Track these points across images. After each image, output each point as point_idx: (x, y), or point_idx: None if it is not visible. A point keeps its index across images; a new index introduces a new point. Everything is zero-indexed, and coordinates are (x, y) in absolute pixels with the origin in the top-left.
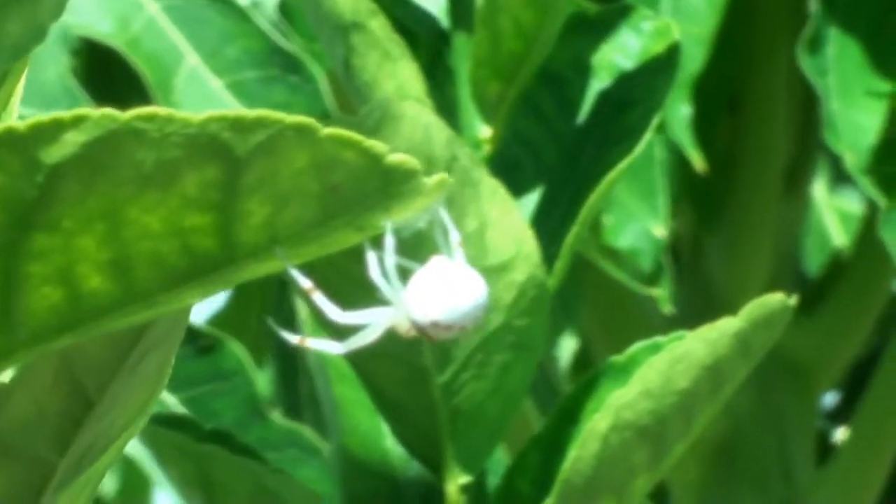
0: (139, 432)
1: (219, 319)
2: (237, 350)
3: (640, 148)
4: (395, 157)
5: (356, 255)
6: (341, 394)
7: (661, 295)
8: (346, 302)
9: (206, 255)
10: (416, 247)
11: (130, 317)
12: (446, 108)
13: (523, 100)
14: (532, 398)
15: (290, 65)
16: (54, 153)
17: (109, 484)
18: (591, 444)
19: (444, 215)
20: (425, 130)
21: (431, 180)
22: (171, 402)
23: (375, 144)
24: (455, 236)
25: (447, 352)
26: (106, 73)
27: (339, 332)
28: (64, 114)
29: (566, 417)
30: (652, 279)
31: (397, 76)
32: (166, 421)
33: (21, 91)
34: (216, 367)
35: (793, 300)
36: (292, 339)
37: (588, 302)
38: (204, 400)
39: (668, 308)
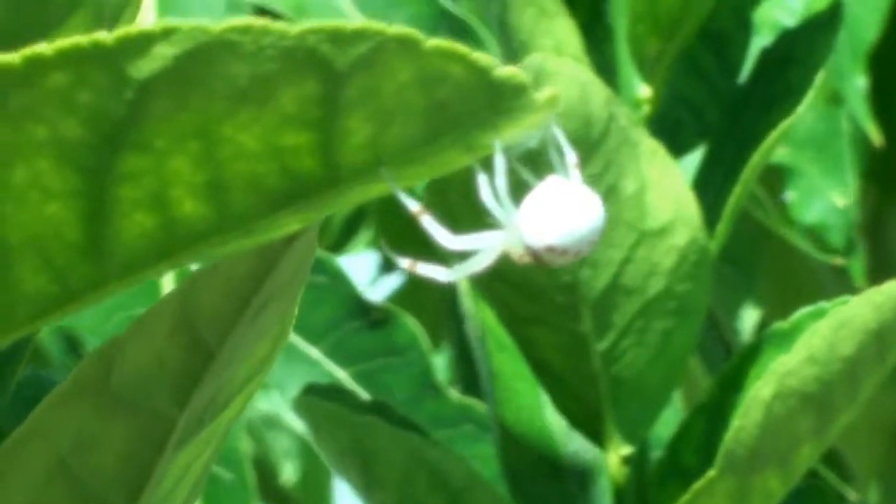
0: (296, 405)
1: (397, 298)
2: (411, 324)
3: (803, 108)
4: (504, 71)
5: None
6: (500, 365)
7: (855, 268)
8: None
9: (307, 177)
10: (532, 168)
11: (227, 244)
12: (605, 66)
13: (684, 58)
14: (703, 363)
15: (460, 29)
16: (144, 67)
17: (289, 472)
18: (755, 412)
19: (559, 133)
20: (582, 89)
21: (542, 95)
22: (342, 376)
23: (482, 57)
24: (571, 156)
25: (607, 318)
26: None
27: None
28: (153, 26)
29: (730, 386)
30: (843, 253)
31: (554, 34)
32: (322, 392)
33: None
34: (389, 342)
35: None
36: (402, 262)
37: (768, 275)
38: (376, 374)
39: (861, 281)
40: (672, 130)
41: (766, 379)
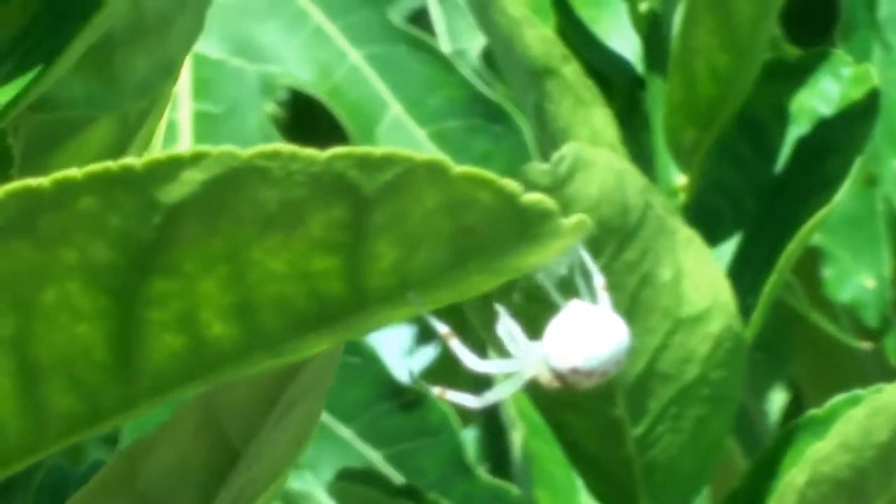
0: (331, 489)
1: (432, 370)
2: (442, 405)
3: (839, 196)
4: (531, 197)
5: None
6: (535, 448)
7: (890, 347)
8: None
9: (334, 300)
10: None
11: (255, 365)
12: (642, 155)
13: (720, 147)
14: (740, 446)
15: (494, 114)
16: (173, 192)
17: None
18: (789, 498)
19: (586, 257)
20: (618, 177)
21: (569, 221)
22: (374, 457)
23: (509, 183)
24: (599, 280)
25: (642, 404)
26: (310, 122)
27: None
28: (183, 151)
29: (764, 472)
30: (878, 332)
31: (591, 123)
32: (356, 476)
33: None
34: (421, 423)
35: None
36: (433, 390)
37: (802, 356)
38: (408, 456)
39: None
40: (708, 219)
41: (800, 466)
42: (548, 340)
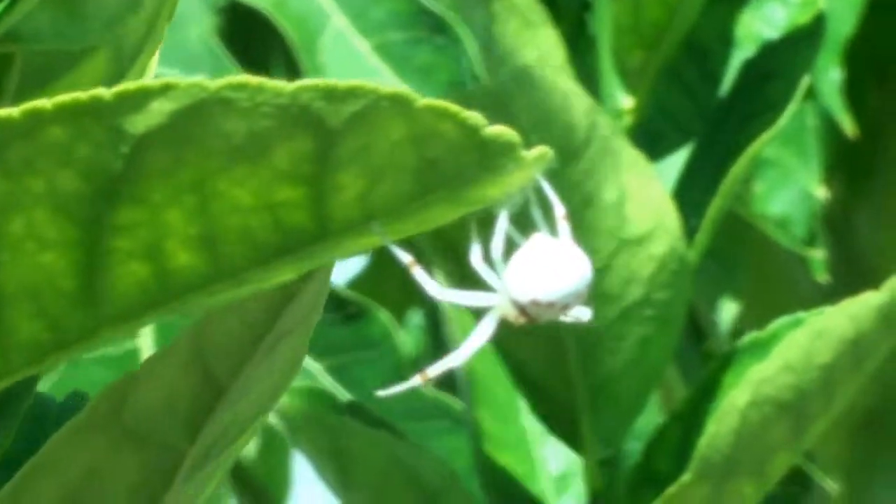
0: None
1: (360, 282)
2: (384, 318)
3: (784, 119)
4: (493, 130)
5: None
6: (478, 368)
7: (816, 261)
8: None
9: (298, 230)
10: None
11: (219, 294)
12: (588, 77)
13: (667, 70)
14: (678, 369)
15: (437, 26)
16: (140, 123)
17: (249, 447)
18: (730, 419)
19: (548, 189)
20: (564, 98)
21: (531, 153)
22: (315, 368)
23: (473, 116)
24: (560, 210)
25: (585, 324)
26: (249, 32)
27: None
28: (151, 82)
29: (706, 393)
30: (805, 245)
31: (538, 44)
32: (299, 393)
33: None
34: (362, 335)
35: None
36: (415, 380)
37: (746, 267)
38: (349, 367)
39: (822, 275)
40: (654, 141)
41: (742, 387)
42: (509, 273)
